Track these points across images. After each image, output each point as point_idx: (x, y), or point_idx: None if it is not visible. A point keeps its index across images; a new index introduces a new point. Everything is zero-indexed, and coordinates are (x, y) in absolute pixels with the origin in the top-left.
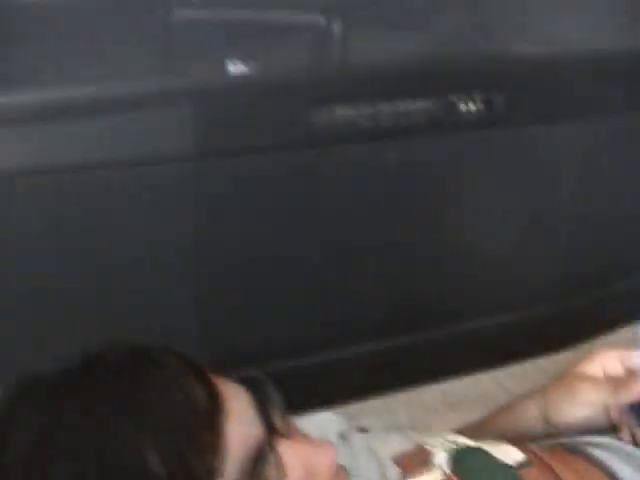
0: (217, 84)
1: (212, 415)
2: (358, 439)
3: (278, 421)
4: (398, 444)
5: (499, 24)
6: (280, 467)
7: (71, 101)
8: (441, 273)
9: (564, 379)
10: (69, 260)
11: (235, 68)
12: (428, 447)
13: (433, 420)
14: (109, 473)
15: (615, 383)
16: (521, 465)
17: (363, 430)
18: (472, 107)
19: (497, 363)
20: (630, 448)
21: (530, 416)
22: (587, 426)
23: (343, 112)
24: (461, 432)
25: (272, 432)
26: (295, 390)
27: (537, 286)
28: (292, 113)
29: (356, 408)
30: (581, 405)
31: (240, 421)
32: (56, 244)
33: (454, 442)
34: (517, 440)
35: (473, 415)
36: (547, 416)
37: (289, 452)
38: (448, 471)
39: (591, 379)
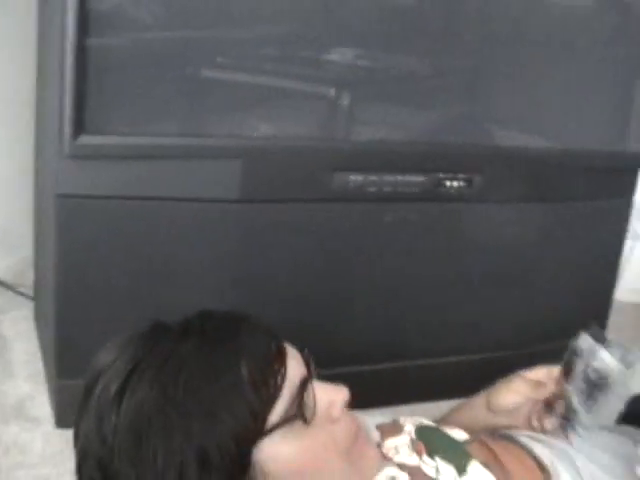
0: (259, 146)
1: (282, 355)
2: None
3: (313, 370)
4: (380, 418)
5: (485, 115)
6: (313, 394)
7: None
8: (421, 315)
9: (504, 379)
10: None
11: (266, 129)
12: (401, 422)
13: None
14: (213, 374)
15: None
16: (466, 441)
17: None
18: (455, 184)
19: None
20: (548, 439)
21: (478, 405)
22: (515, 414)
23: (354, 178)
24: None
25: (310, 374)
26: None
27: (503, 333)
28: (315, 174)
29: None
30: (513, 393)
31: (295, 363)
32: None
33: (421, 422)
34: (466, 428)
35: None
36: (489, 401)
37: (319, 388)
38: (414, 437)
39: (524, 379)
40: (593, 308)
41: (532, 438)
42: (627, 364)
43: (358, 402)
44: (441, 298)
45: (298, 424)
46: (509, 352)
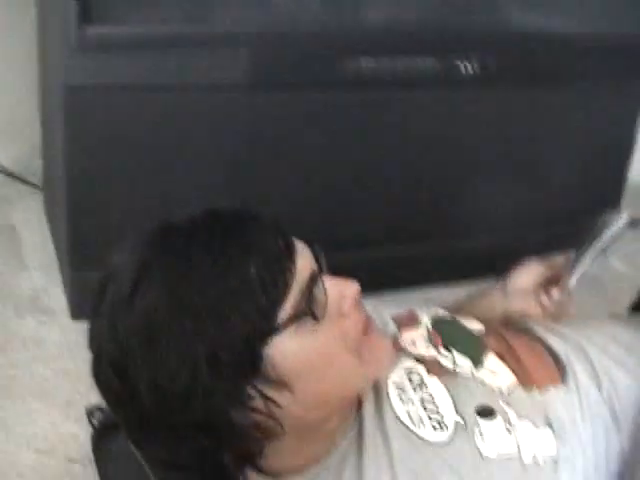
0: (268, 31)
1: (290, 251)
2: (368, 304)
3: (323, 265)
4: (395, 309)
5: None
6: (324, 289)
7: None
8: (436, 201)
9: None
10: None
11: (275, 15)
12: (417, 312)
13: None
14: (222, 274)
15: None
16: (481, 332)
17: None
18: (469, 66)
19: (473, 279)
20: (563, 329)
21: (494, 292)
22: (529, 298)
23: (366, 61)
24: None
25: (320, 269)
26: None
27: (517, 216)
28: (325, 59)
29: None
30: (526, 273)
31: (304, 258)
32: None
33: (435, 312)
34: (482, 316)
35: None
36: (504, 287)
37: (329, 281)
38: (430, 328)
39: (535, 260)
40: (606, 190)
41: (548, 330)
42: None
43: (371, 286)
44: (455, 184)
45: (308, 320)
46: (522, 236)
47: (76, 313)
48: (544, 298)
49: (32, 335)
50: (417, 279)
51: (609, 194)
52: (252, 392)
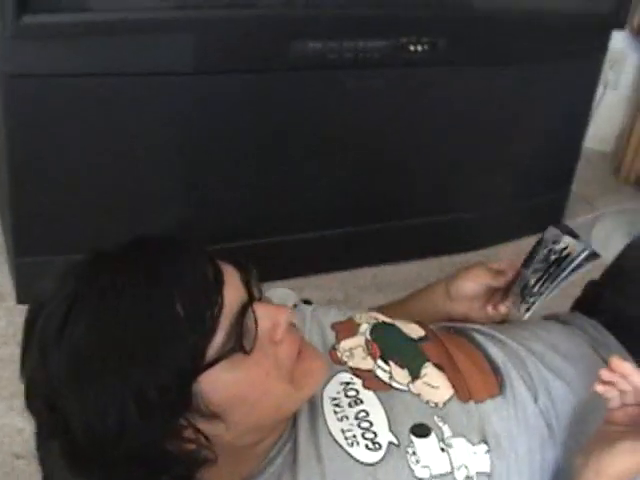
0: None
1: (218, 283)
2: (307, 310)
3: (255, 289)
4: (334, 315)
5: None
6: (255, 319)
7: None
8: (387, 179)
9: (465, 267)
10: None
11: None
12: (356, 319)
13: (363, 298)
14: (148, 312)
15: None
16: (421, 339)
17: (307, 302)
18: (419, 47)
19: (419, 256)
20: (502, 336)
21: (438, 292)
22: (472, 302)
23: (313, 45)
24: (383, 308)
25: (251, 296)
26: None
27: (459, 196)
28: (271, 43)
29: (302, 282)
30: (473, 280)
31: (233, 288)
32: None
33: (375, 318)
34: (424, 320)
35: (396, 296)
36: (448, 289)
37: (261, 309)
38: (369, 337)
39: (482, 266)
40: (562, 163)
41: (487, 336)
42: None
43: (330, 264)
44: (407, 163)
45: (239, 354)
46: (478, 212)
47: (22, 297)
48: (489, 309)
49: None
50: (359, 258)
51: (566, 165)
52: (184, 425)
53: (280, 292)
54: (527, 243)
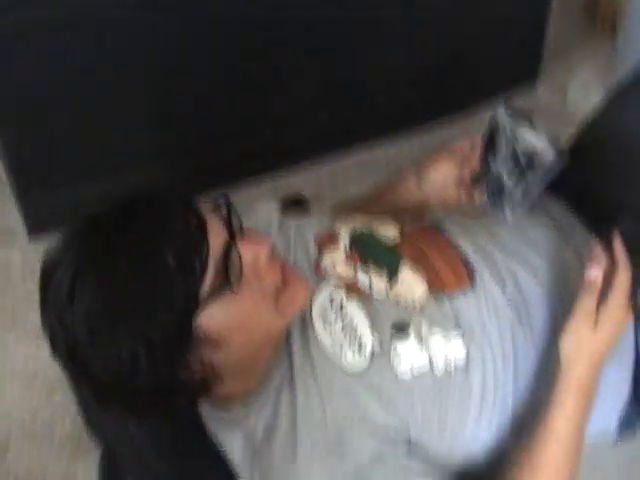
0: None
1: (202, 231)
2: (291, 230)
3: (236, 227)
4: (317, 227)
5: None
6: (239, 256)
7: None
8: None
9: (432, 155)
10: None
11: None
12: (336, 230)
13: (350, 184)
14: (143, 270)
15: (462, 160)
16: (396, 239)
17: (300, 201)
18: None
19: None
20: (472, 230)
21: (410, 187)
22: (444, 190)
23: None
24: (361, 201)
25: (233, 236)
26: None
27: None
28: None
29: (290, 174)
30: (440, 171)
31: (215, 232)
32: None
33: (355, 224)
34: (401, 209)
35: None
36: (419, 182)
37: (244, 246)
38: (348, 247)
39: (449, 156)
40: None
41: (458, 230)
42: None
43: (315, 155)
44: (368, 41)
45: (228, 290)
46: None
47: (33, 234)
48: (464, 196)
49: None
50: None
51: (538, 14)
52: (190, 356)
53: (265, 210)
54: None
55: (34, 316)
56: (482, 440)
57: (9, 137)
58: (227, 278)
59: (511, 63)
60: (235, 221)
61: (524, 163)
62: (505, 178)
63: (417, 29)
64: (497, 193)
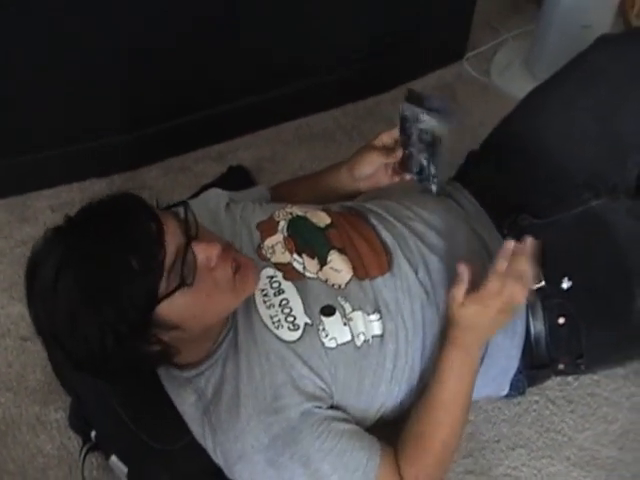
0: None
1: (160, 235)
2: (237, 210)
3: (192, 229)
4: (259, 215)
5: None
6: (194, 256)
7: None
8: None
9: (360, 151)
10: None
11: None
12: (275, 217)
13: (288, 153)
14: (110, 272)
15: (388, 150)
16: (327, 227)
17: (240, 168)
18: None
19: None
20: (391, 218)
21: (343, 178)
22: (375, 177)
23: None
24: (297, 184)
25: (188, 238)
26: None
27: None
28: None
29: (233, 144)
30: (369, 163)
31: (172, 235)
32: None
33: (290, 213)
34: (331, 200)
35: (317, 148)
36: (352, 175)
37: (197, 248)
38: (285, 234)
39: (375, 149)
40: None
41: (379, 219)
42: (445, 116)
43: (255, 123)
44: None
45: (183, 286)
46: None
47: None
48: (395, 179)
49: None
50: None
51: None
52: (151, 338)
53: (213, 194)
54: (431, 77)
55: (5, 274)
56: (393, 399)
57: None
58: (182, 276)
59: (440, 36)
60: (192, 224)
61: (427, 141)
62: (420, 157)
63: (352, 8)
64: (419, 171)
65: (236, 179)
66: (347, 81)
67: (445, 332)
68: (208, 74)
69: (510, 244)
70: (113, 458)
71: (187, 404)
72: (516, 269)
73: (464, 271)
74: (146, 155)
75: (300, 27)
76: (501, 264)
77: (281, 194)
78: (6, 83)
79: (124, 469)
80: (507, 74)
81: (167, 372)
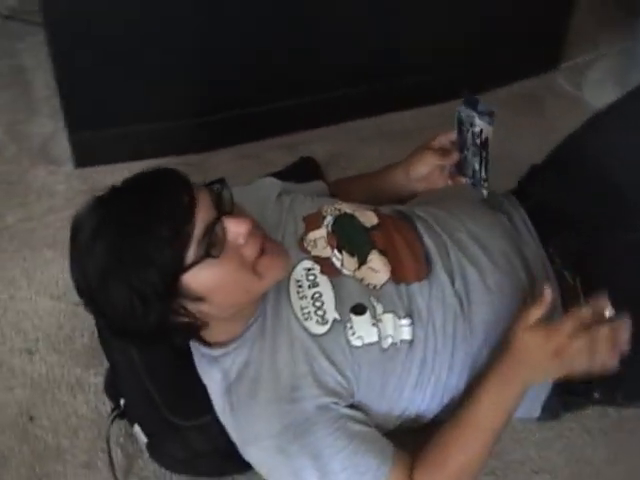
0: None
1: (191, 208)
2: (287, 200)
3: (227, 206)
4: (308, 208)
5: None
6: (224, 230)
7: None
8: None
9: (416, 151)
10: None
11: None
12: (323, 212)
13: (364, 149)
14: (143, 237)
15: (444, 152)
16: (373, 227)
17: (309, 160)
18: None
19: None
20: (437, 228)
21: (400, 178)
22: (430, 178)
23: None
24: (353, 182)
25: (222, 213)
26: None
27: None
28: None
29: (307, 135)
30: (425, 164)
31: (204, 209)
32: None
33: (339, 210)
34: (385, 201)
35: (392, 148)
36: (408, 175)
37: (228, 222)
38: (330, 229)
39: (432, 150)
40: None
41: (426, 226)
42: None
43: (335, 116)
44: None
45: (210, 258)
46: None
47: (79, 162)
48: (449, 182)
49: (44, 186)
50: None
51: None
52: (177, 307)
53: (267, 182)
54: (521, 86)
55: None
56: (416, 407)
57: (68, 81)
58: (209, 248)
59: (533, 46)
60: (226, 200)
61: (479, 144)
62: (473, 161)
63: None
64: (472, 175)
65: (305, 170)
66: (438, 82)
67: (495, 354)
68: (290, 67)
69: (606, 302)
70: (136, 427)
71: (213, 381)
72: (599, 334)
73: (548, 295)
74: (220, 139)
75: (395, 26)
76: (587, 311)
77: (337, 190)
78: (108, 69)
79: (144, 439)
80: (600, 91)
81: (198, 349)
